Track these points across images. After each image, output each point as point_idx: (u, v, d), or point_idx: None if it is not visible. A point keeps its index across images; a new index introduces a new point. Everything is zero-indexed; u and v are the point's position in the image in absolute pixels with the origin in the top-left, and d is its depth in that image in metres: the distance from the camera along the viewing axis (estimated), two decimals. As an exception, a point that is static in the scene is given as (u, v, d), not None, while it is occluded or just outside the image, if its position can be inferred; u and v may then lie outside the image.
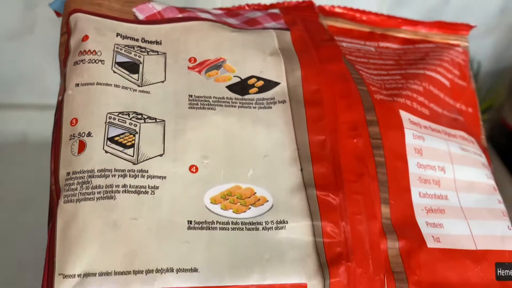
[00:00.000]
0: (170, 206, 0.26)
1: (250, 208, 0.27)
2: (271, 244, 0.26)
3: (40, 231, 0.33)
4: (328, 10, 0.38)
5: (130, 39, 0.30)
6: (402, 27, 0.39)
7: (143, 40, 0.31)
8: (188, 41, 0.31)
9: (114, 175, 0.26)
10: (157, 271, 0.24)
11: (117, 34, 0.30)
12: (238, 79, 0.31)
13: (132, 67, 0.29)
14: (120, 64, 0.29)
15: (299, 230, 0.26)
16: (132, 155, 0.27)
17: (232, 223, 0.26)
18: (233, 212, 0.26)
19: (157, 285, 0.24)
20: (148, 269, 0.24)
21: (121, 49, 0.30)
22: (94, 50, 0.29)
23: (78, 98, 0.28)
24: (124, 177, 0.26)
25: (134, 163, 0.26)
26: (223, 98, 0.30)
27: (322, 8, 0.38)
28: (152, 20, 0.32)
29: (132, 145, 0.27)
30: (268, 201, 0.27)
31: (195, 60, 0.31)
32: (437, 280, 0.28)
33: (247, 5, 0.37)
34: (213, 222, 0.26)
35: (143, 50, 0.30)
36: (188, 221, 0.26)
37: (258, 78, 0.31)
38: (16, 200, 0.49)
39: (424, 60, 0.37)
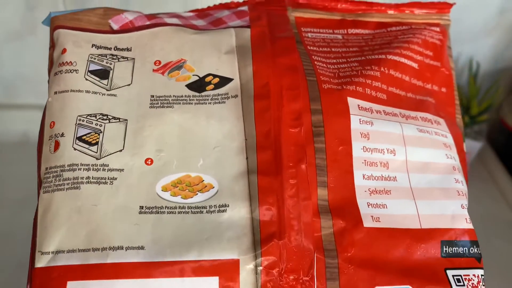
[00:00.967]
0: (125, 194, 0.30)
1: (197, 194, 0.30)
2: (212, 225, 0.29)
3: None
4: (300, 2, 0.39)
5: (104, 49, 0.35)
6: (374, 11, 0.39)
7: (115, 48, 0.35)
8: (154, 46, 0.35)
9: (80, 169, 0.31)
10: (110, 248, 0.29)
11: (93, 45, 0.35)
12: (197, 78, 0.34)
13: (103, 74, 0.34)
14: (92, 72, 0.34)
15: (238, 213, 0.30)
16: (96, 151, 0.31)
17: (179, 208, 0.30)
18: (182, 198, 0.30)
19: (109, 260, 0.28)
20: (103, 247, 0.29)
21: (94, 59, 0.34)
22: (71, 61, 0.34)
23: (56, 104, 0.33)
24: (88, 171, 0.31)
25: (97, 158, 0.31)
26: (182, 96, 0.33)
27: (294, 1, 0.39)
28: (125, 29, 0.36)
29: (97, 143, 0.31)
30: (214, 187, 0.31)
31: (159, 62, 0.35)
32: (372, 257, 0.30)
33: (221, 4, 0.39)
34: (162, 207, 0.30)
35: (115, 57, 0.35)
36: (140, 206, 0.30)
37: (214, 76, 0.34)
38: (17, 199, 0.50)
39: (390, 44, 0.37)
